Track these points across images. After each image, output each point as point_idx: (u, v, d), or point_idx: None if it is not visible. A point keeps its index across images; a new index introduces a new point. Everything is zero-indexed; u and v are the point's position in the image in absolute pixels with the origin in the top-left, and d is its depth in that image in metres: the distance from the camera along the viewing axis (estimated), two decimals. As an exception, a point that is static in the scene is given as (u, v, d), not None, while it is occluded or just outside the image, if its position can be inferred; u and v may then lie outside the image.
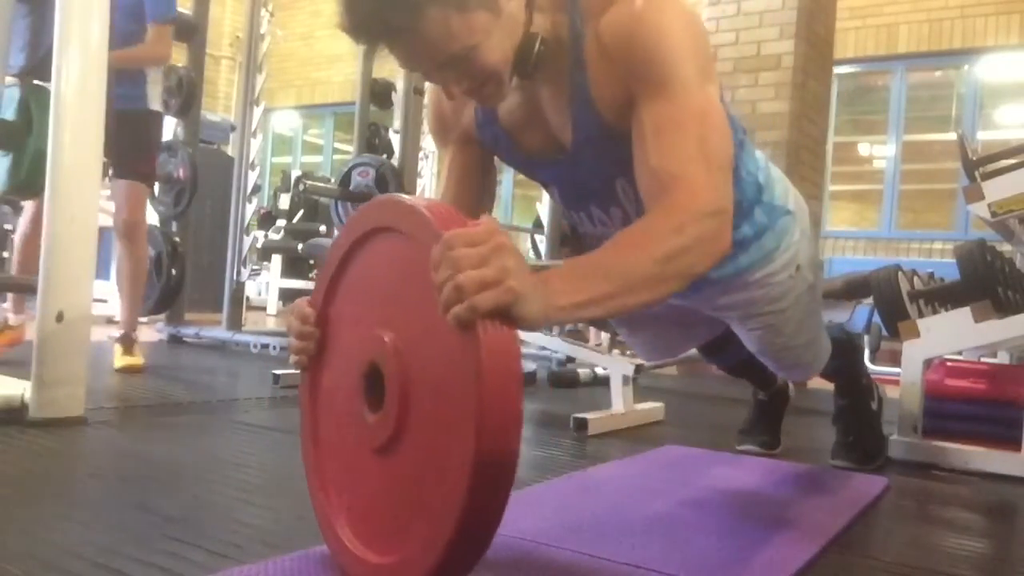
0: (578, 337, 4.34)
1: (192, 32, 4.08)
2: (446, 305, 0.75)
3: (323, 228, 5.87)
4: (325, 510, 0.99)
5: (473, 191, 1.28)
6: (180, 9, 4.01)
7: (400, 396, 0.85)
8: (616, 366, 2.44)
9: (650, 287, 0.89)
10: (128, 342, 2.85)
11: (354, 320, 0.98)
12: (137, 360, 2.82)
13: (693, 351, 2.64)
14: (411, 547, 0.82)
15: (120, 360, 2.80)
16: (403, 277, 0.89)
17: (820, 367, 1.66)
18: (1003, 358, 3.11)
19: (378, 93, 4.27)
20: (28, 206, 2.88)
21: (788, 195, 1.41)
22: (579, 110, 1.11)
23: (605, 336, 3.97)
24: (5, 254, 5.32)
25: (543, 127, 1.17)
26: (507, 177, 8.76)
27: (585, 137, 1.14)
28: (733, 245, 1.02)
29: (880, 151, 7.38)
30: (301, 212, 6.93)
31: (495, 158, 1.32)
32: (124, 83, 2.71)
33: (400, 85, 3.91)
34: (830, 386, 2.00)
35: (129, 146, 2.79)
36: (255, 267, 7.20)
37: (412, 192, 3.49)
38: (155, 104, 2.91)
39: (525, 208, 8.22)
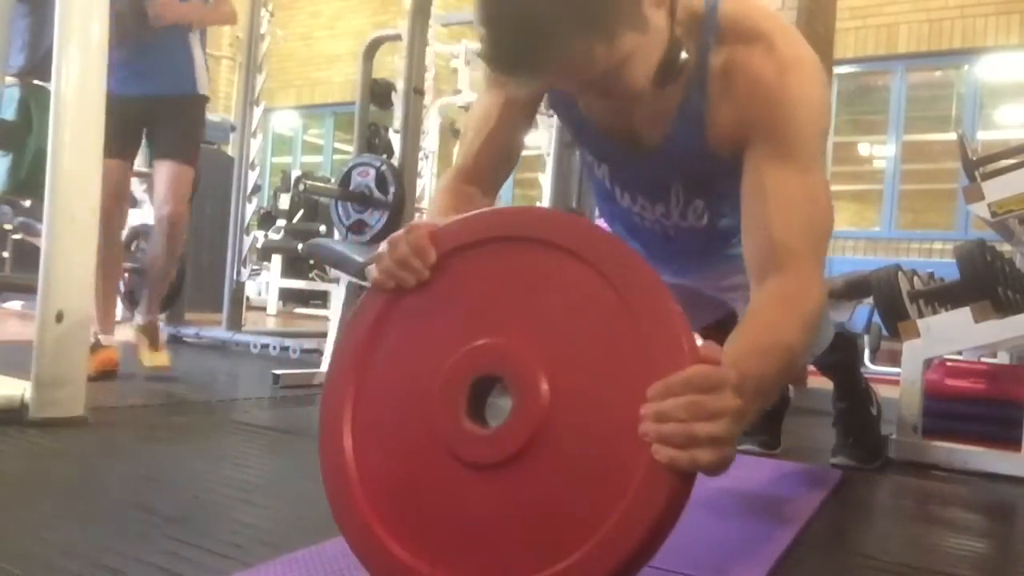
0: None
1: (192, 32, 4.07)
2: (664, 440, 0.71)
3: (323, 228, 5.86)
4: (357, 510, 0.85)
5: (511, 154, 1.25)
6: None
7: (543, 410, 0.78)
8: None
9: (782, 382, 0.94)
10: (154, 332, 2.65)
11: (464, 316, 0.88)
12: (165, 359, 2.62)
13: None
14: (551, 569, 0.74)
15: (149, 358, 2.61)
16: (564, 296, 0.83)
17: (820, 349, 1.67)
18: (1003, 358, 3.11)
19: (378, 93, 4.27)
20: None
21: (832, 208, 1.44)
22: (684, 128, 1.09)
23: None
24: (5, 254, 5.32)
25: (628, 119, 1.14)
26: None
27: (675, 150, 1.12)
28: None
29: (880, 151, 7.39)
30: (301, 212, 6.93)
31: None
32: (171, 66, 2.62)
33: (400, 85, 3.91)
34: (830, 386, 2.00)
35: (175, 129, 2.65)
36: (255, 267, 7.19)
37: (412, 192, 3.48)
38: (203, 88, 2.72)
39: (526, 204, 8.22)
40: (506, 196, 8.81)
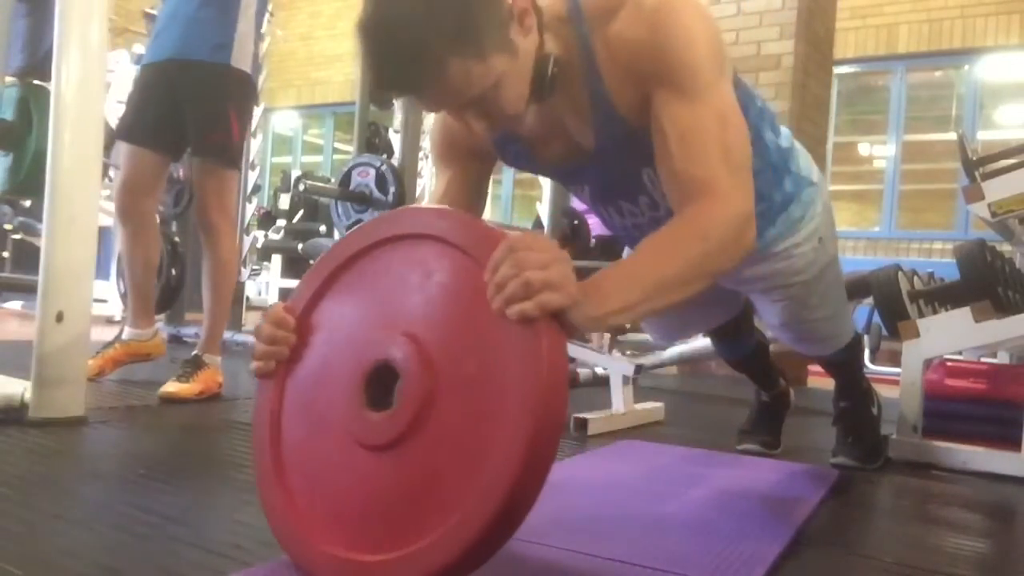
0: (579, 337, 4.34)
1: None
2: (509, 300, 0.81)
3: (323, 228, 5.86)
4: (293, 523, 0.93)
5: (473, 207, 1.31)
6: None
7: (422, 392, 0.86)
8: (616, 366, 2.44)
9: (678, 290, 0.96)
10: (196, 365, 2.33)
11: (359, 320, 0.98)
12: (187, 388, 2.26)
13: (695, 350, 2.64)
14: (430, 536, 0.81)
15: (170, 384, 2.25)
16: (432, 280, 0.91)
17: (840, 344, 1.68)
18: (1003, 358, 3.11)
19: (378, 93, 4.27)
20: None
21: (811, 167, 1.46)
22: (600, 116, 1.13)
23: (605, 336, 3.97)
24: (5, 254, 5.32)
25: (564, 136, 1.19)
26: (507, 177, 8.75)
27: (609, 140, 1.16)
28: (762, 216, 1.08)
29: (880, 151, 7.39)
30: (301, 212, 6.92)
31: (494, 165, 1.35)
32: (207, 30, 2.24)
33: (400, 85, 3.91)
34: (829, 386, 2.00)
35: (202, 112, 2.26)
36: (255, 267, 7.20)
37: (412, 192, 3.48)
38: (242, 64, 2.29)
39: (525, 208, 8.22)
40: (506, 196, 8.81)
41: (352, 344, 0.96)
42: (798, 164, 1.41)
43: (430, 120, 6.29)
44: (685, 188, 1.02)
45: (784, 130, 1.42)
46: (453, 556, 0.79)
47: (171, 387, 2.25)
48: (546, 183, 4.60)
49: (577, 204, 4.43)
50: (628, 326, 3.47)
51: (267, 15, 4.14)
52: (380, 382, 0.91)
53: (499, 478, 0.77)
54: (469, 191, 1.29)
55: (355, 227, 1.05)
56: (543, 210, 4.58)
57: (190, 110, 2.28)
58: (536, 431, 0.77)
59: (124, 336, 2.47)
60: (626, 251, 1.67)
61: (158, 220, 2.61)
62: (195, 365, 2.34)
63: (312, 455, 0.96)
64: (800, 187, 1.40)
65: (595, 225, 4.50)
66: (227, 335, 3.87)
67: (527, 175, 7.64)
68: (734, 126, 1.06)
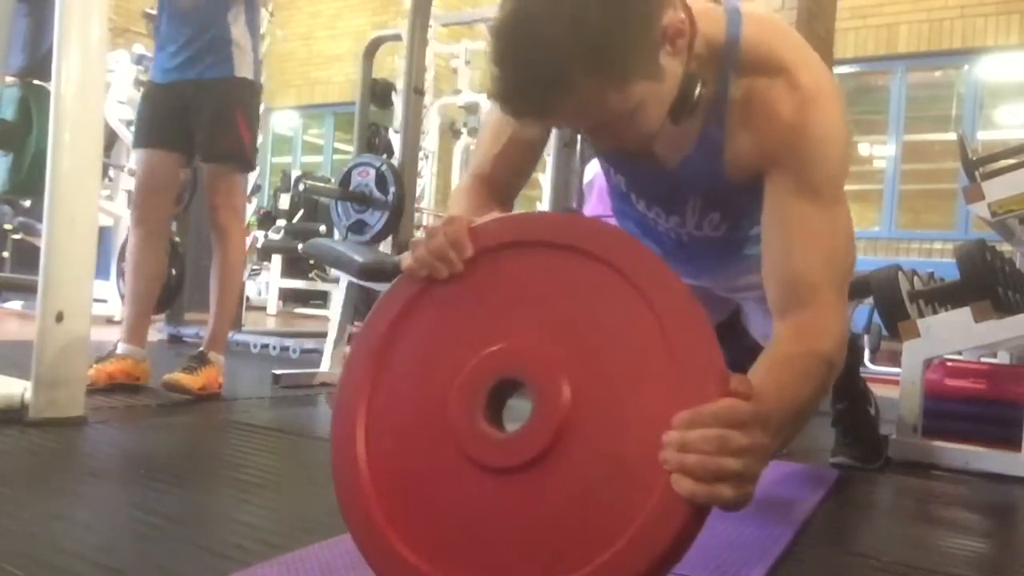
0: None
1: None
2: (685, 471, 0.68)
3: (323, 228, 5.86)
4: (393, 551, 0.81)
5: (525, 167, 1.23)
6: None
7: (560, 415, 0.76)
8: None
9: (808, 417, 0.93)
10: (201, 361, 2.36)
11: (486, 317, 0.86)
12: (191, 379, 2.28)
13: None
14: (582, 570, 0.72)
15: (176, 373, 2.29)
16: (592, 309, 0.81)
17: None
18: (1003, 358, 3.12)
19: (378, 93, 4.27)
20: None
21: (855, 243, 1.44)
22: (702, 155, 1.09)
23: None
24: (5, 254, 5.32)
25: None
26: (507, 177, 8.75)
27: (691, 173, 1.13)
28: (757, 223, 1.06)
29: (880, 151, 7.38)
30: (301, 212, 6.92)
31: None
32: (206, 51, 2.35)
33: (400, 85, 3.91)
34: (830, 386, 2.00)
35: (210, 120, 2.35)
36: (255, 267, 7.21)
37: (412, 192, 3.48)
38: (245, 71, 2.39)
39: (525, 208, 8.22)
40: (506, 196, 8.80)
41: (475, 343, 0.84)
42: None
43: (430, 120, 6.28)
44: (797, 289, 0.99)
45: None
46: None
47: (176, 376, 2.27)
48: (546, 183, 4.59)
49: (575, 205, 4.41)
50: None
51: (267, 15, 4.14)
52: (503, 397, 0.83)
53: (668, 516, 0.70)
54: (523, 162, 1.21)
55: (559, 215, 0.95)
56: (543, 210, 4.59)
57: (197, 119, 2.37)
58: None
59: (120, 351, 2.40)
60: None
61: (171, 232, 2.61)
62: (200, 360, 2.37)
63: (411, 468, 0.84)
64: None
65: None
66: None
67: (527, 175, 7.59)
68: (852, 246, 1.05)
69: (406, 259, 0.90)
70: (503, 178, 1.21)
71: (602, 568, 0.71)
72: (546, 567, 0.74)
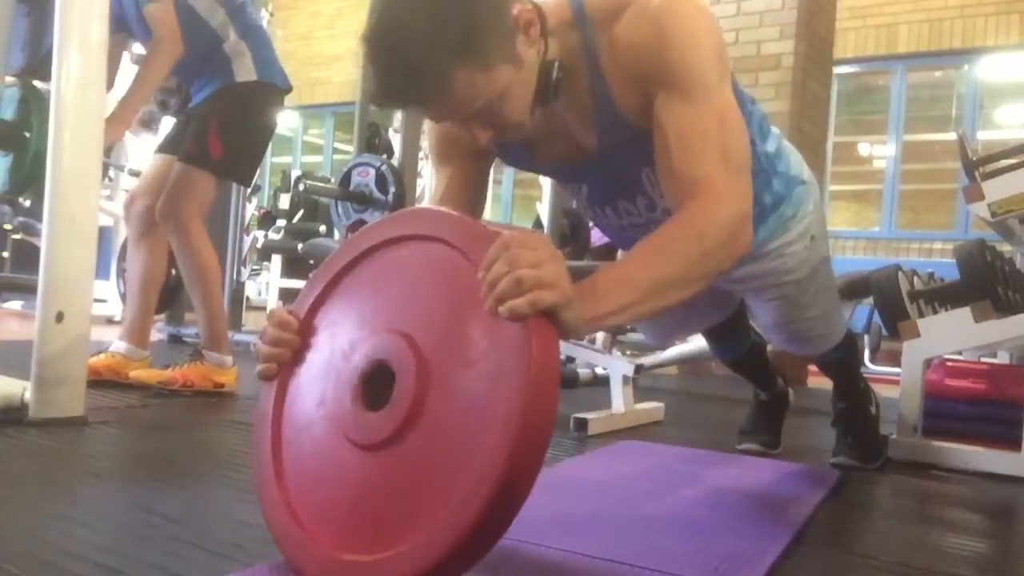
0: (574, 338, 4.34)
1: (192, 32, 4.08)
2: (501, 297, 0.80)
3: (323, 228, 5.86)
4: (288, 524, 0.93)
5: (473, 205, 1.29)
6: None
7: (415, 391, 0.86)
8: (616, 366, 2.44)
9: (675, 291, 0.96)
10: (189, 358, 2.42)
11: (359, 320, 0.98)
12: (156, 374, 2.34)
13: (696, 350, 2.64)
14: (418, 537, 0.81)
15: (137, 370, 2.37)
16: (429, 280, 0.93)
17: (831, 343, 1.68)
18: (1003, 358, 3.12)
19: (378, 93, 4.27)
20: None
21: (802, 166, 1.46)
22: (603, 118, 1.13)
23: (603, 335, 3.97)
24: (5, 254, 5.32)
25: (566, 136, 1.19)
26: (507, 177, 8.75)
27: (611, 141, 1.16)
28: (755, 215, 1.07)
29: (880, 151, 7.39)
30: (301, 212, 6.92)
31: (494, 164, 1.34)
32: (207, 81, 2.43)
33: (400, 85, 3.91)
34: (830, 386, 2.00)
35: (196, 127, 2.41)
36: (255, 267, 7.20)
37: (412, 192, 3.49)
38: (245, 75, 2.40)
39: (525, 208, 8.22)
40: (506, 196, 8.81)
41: (351, 345, 0.96)
42: (787, 164, 1.41)
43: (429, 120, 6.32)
44: (682, 187, 1.02)
45: (773, 131, 1.41)
46: (440, 556, 0.78)
47: (137, 371, 2.35)
48: (546, 183, 4.60)
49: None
50: (628, 327, 3.47)
51: (267, 15, 4.14)
52: (379, 383, 0.91)
53: (486, 476, 0.77)
54: (469, 189, 1.28)
55: (358, 229, 1.05)
56: (543, 210, 4.59)
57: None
58: (523, 429, 0.77)
59: (113, 348, 2.42)
60: (620, 254, 1.67)
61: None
62: (191, 357, 2.41)
63: (309, 455, 0.96)
64: (790, 187, 1.40)
65: (596, 238, 4.51)
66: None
67: (527, 175, 7.63)
68: (734, 128, 1.06)
69: (258, 371, 1.02)
70: (460, 205, 1.25)
71: (452, 510, 0.79)
72: (408, 526, 0.83)
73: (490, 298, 0.82)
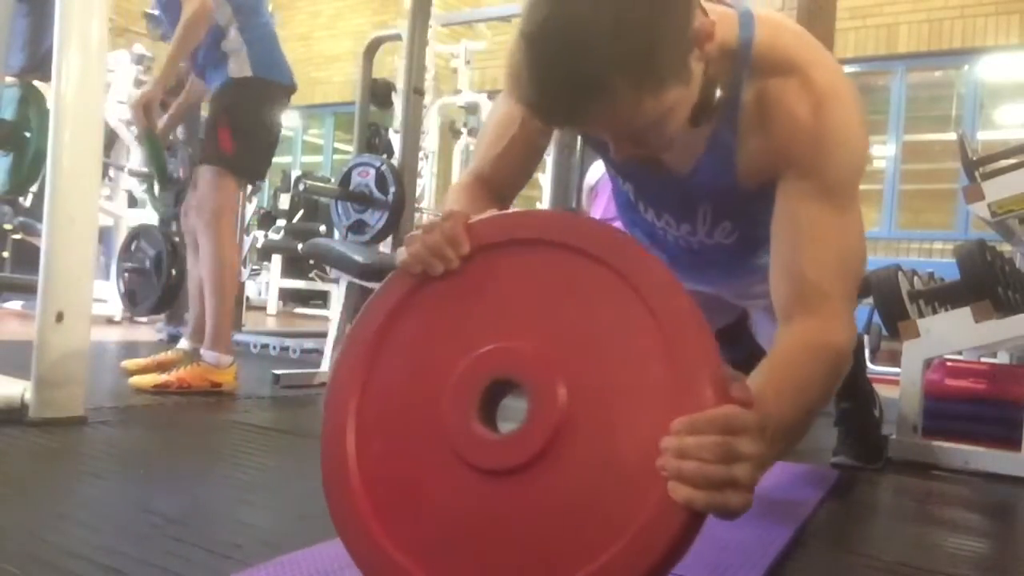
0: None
1: (192, 32, 4.08)
2: (683, 478, 0.67)
3: (323, 228, 5.86)
4: (380, 556, 0.79)
5: (527, 168, 1.21)
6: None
7: (557, 416, 0.75)
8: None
9: (810, 424, 0.91)
10: (186, 359, 2.48)
11: (482, 316, 0.85)
12: (151, 379, 2.33)
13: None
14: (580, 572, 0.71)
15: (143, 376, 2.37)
16: (591, 311, 0.80)
17: None
18: (1003, 358, 3.11)
19: (378, 93, 4.27)
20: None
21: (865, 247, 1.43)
22: (713, 161, 1.07)
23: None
24: (5, 254, 5.31)
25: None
26: (507, 177, 8.75)
27: (702, 181, 1.10)
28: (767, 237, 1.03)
29: (880, 151, 7.38)
30: (301, 212, 6.92)
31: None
32: (212, 72, 2.51)
33: (400, 85, 3.91)
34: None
35: (206, 126, 2.54)
36: (255, 267, 7.20)
37: (412, 192, 3.48)
38: (241, 71, 2.45)
39: (524, 208, 8.21)
40: (506, 196, 8.79)
41: (469, 342, 0.82)
42: None
43: (430, 120, 6.29)
44: (804, 293, 0.96)
45: None
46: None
47: (135, 378, 2.37)
48: (546, 183, 4.59)
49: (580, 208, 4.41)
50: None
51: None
52: (497, 396, 0.81)
53: (648, 541, 0.69)
54: (524, 163, 1.19)
55: (557, 213, 0.90)
56: (542, 208, 4.59)
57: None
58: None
59: (206, 356, 2.40)
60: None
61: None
62: (187, 358, 2.43)
63: (400, 461, 0.83)
64: None
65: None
66: (227, 335, 3.88)
67: (527, 175, 7.57)
68: (863, 251, 1.02)
69: (401, 254, 0.88)
70: (503, 179, 1.19)
71: (595, 573, 0.70)
72: (537, 571, 0.73)
73: (671, 465, 0.67)
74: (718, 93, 0.94)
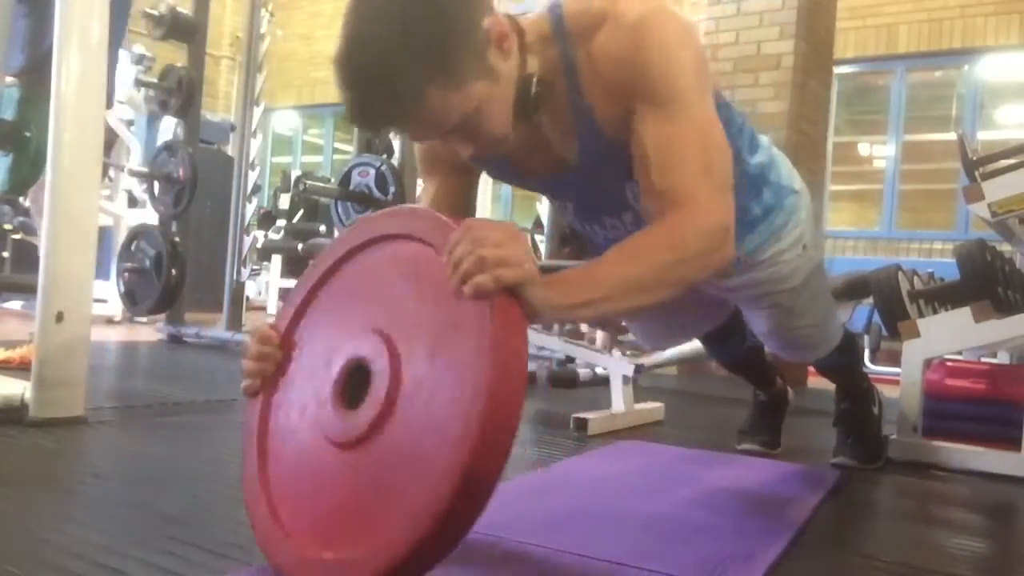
0: (578, 337, 4.34)
1: (192, 32, 4.09)
2: (465, 276, 0.81)
3: (323, 228, 5.86)
4: (274, 531, 0.93)
5: (465, 201, 1.29)
6: (180, 9, 4.02)
7: (388, 389, 0.86)
8: (616, 366, 2.44)
9: (644, 294, 0.95)
10: None
11: (337, 325, 0.99)
12: None
13: (696, 350, 2.64)
14: (387, 533, 0.80)
15: None
16: (401, 277, 0.94)
17: (828, 349, 1.68)
18: (1003, 358, 3.12)
19: (378, 93, 4.27)
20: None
21: (793, 175, 1.45)
22: (584, 133, 1.12)
23: (603, 335, 3.97)
24: (5, 254, 5.32)
25: (547, 150, 1.18)
26: (507, 177, 8.75)
27: (592, 155, 1.15)
28: (743, 224, 1.05)
29: (880, 151, 7.38)
30: (301, 212, 6.92)
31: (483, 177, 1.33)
32: None
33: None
34: (830, 386, 2.00)
35: None
36: (255, 267, 7.20)
37: (412, 192, 3.48)
38: None
39: (525, 208, 8.22)
40: (506, 196, 8.80)
41: (331, 349, 0.97)
42: (779, 173, 1.40)
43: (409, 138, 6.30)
44: (663, 200, 1.01)
45: (763, 141, 1.40)
46: (406, 552, 0.78)
47: None
48: (546, 183, 4.58)
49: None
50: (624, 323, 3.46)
51: (267, 15, 4.14)
52: (360, 383, 0.91)
53: (450, 468, 0.77)
54: (454, 202, 1.27)
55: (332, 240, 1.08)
56: (543, 210, 4.59)
57: None
58: (487, 414, 0.76)
59: None
60: None
61: None
62: None
63: (292, 461, 0.97)
64: (781, 196, 1.38)
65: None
66: (227, 335, 3.88)
67: (527, 175, 7.55)
68: (716, 144, 1.05)
69: (243, 386, 1.03)
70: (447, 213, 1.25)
71: (412, 511, 0.78)
72: (373, 520, 0.83)
73: (454, 278, 0.82)
74: (534, 88, 1.04)
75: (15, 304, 5.17)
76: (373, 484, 0.86)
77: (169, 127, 4.80)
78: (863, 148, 7.73)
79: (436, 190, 1.27)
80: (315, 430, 0.94)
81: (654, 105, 1.03)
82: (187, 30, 4.03)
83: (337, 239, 1.05)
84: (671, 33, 1.04)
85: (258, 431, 1.01)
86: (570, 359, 3.44)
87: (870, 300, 2.40)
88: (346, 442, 0.89)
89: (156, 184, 3.89)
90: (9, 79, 2.51)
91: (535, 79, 1.05)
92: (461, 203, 1.29)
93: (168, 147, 3.94)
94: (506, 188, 8.83)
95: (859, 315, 4.23)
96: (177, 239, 3.77)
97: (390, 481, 0.84)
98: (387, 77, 0.92)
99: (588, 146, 1.14)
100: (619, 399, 2.36)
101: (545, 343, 3.00)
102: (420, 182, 4.15)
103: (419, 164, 1.31)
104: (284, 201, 7.05)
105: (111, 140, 4.73)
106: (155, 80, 4.07)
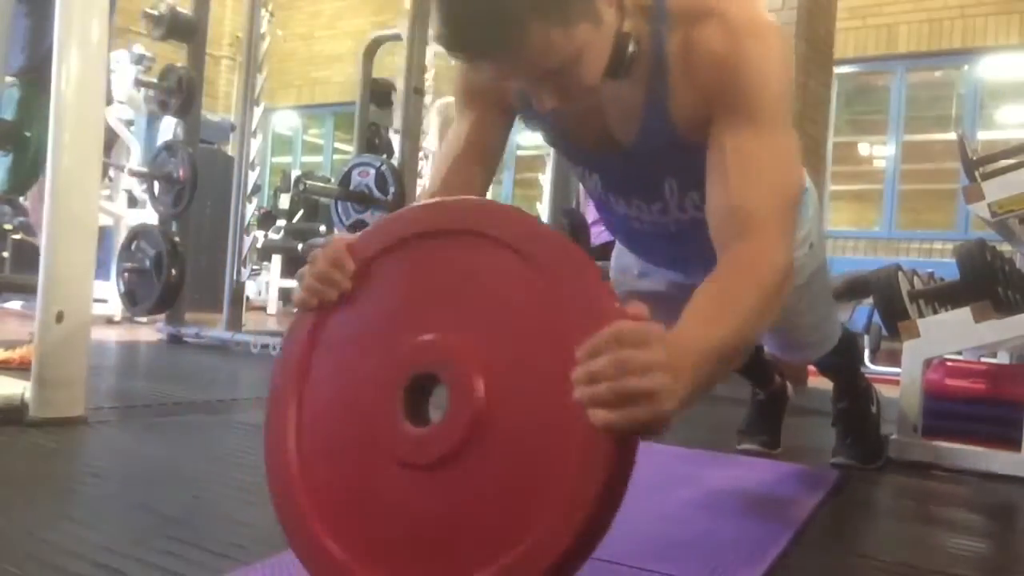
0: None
1: (192, 32, 4.09)
2: (597, 402, 0.69)
3: (323, 228, 5.86)
4: (323, 556, 0.83)
5: (486, 157, 1.24)
6: (180, 9, 4.02)
7: (473, 408, 0.77)
8: (616, 366, 2.43)
9: (740, 350, 0.89)
10: None
11: (400, 312, 0.87)
12: None
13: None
14: (495, 565, 0.73)
15: None
16: (488, 284, 0.83)
17: (826, 349, 1.67)
18: (1003, 358, 3.11)
19: (378, 93, 4.27)
20: None
21: (803, 172, 1.44)
22: (651, 118, 1.08)
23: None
24: (5, 254, 5.31)
25: (601, 123, 1.14)
26: (507, 177, 8.75)
27: (649, 143, 1.12)
28: None
29: (880, 151, 7.39)
30: (301, 212, 6.93)
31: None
32: None
33: (400, 85, 3.91)
34: (830, 386, 2.00)
35: None
36: (255, 267, 7.21)
37: (412, 192, 3.48)
38: None
39: (525, 208, 8.22)
40: (506, 196, 8.80)
41: (394, 337, 0.85)
42: None
43: (430, 120, 6.30)
44: (736, 218, 0.96)
45: None
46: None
47: None
48: (546, 183, 4.59)
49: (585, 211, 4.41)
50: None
51: (267, 15, 4.14)
52: (418, 389, 0.83)
53: (585, 481, 0.71)
54: (488, 140, 1.22)
55: (426, 203, 0.94)
56: (543, 210, 4.59)
57: None
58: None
59: None
60: (617, 248, 1.65)
61: None
62: None
63: (335, 451, 0.86)
64: None
65: (595, 236, 4.50)
66: (227, 335, 3.88)
67: (528, 176, 7.62)
68: (795, 172, 1.02)
69: (296, 292, 0.93)
70: (477, 168, 1.22)
71: (548, 528, 0.71)
72: (486, 551, 0.74)
73: (584, 392, 0.69)
74: (632, 47, 0.98)
75: (15, 304, 5.17)
76: (464, 510, 0.77)
77: (169, 127, 4.80)
78: (863, 148, 7.73)
79: (472, 125, 1.20)
80: (370, 440, 0.83)
81: (742, 115, 0.99)
82: (187, 30, 4.03)
83: (432, 207, 0.91)
84: (775, 49, 1.00)
85: (297, 373, 0.90)
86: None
87: (870, 300, 2.39)
88: (419, 464, 0.79)
89: (156, 184, 3.89)
90: (9, 79, 2.51)
91: (633, 39, 0.98)
92: (493, 142, 1.23)
93: (168, 147, 3.94)
94: (506, 188, 8.84)
95: (859, 315, 4.23)
96: (177, 239, 3.76)
97: (489, 507, 0.75)
98: (494, 4, 0.86)
99: (649, 133, 1.10)
100: (619, 399, 2.35)
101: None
102: (420, 183, 4.14)
103: (457, 97, 1.24)
104: (284, 201, 7.06)
105: (111, 140, 4.73)
106: (155, 80, 4.06)
